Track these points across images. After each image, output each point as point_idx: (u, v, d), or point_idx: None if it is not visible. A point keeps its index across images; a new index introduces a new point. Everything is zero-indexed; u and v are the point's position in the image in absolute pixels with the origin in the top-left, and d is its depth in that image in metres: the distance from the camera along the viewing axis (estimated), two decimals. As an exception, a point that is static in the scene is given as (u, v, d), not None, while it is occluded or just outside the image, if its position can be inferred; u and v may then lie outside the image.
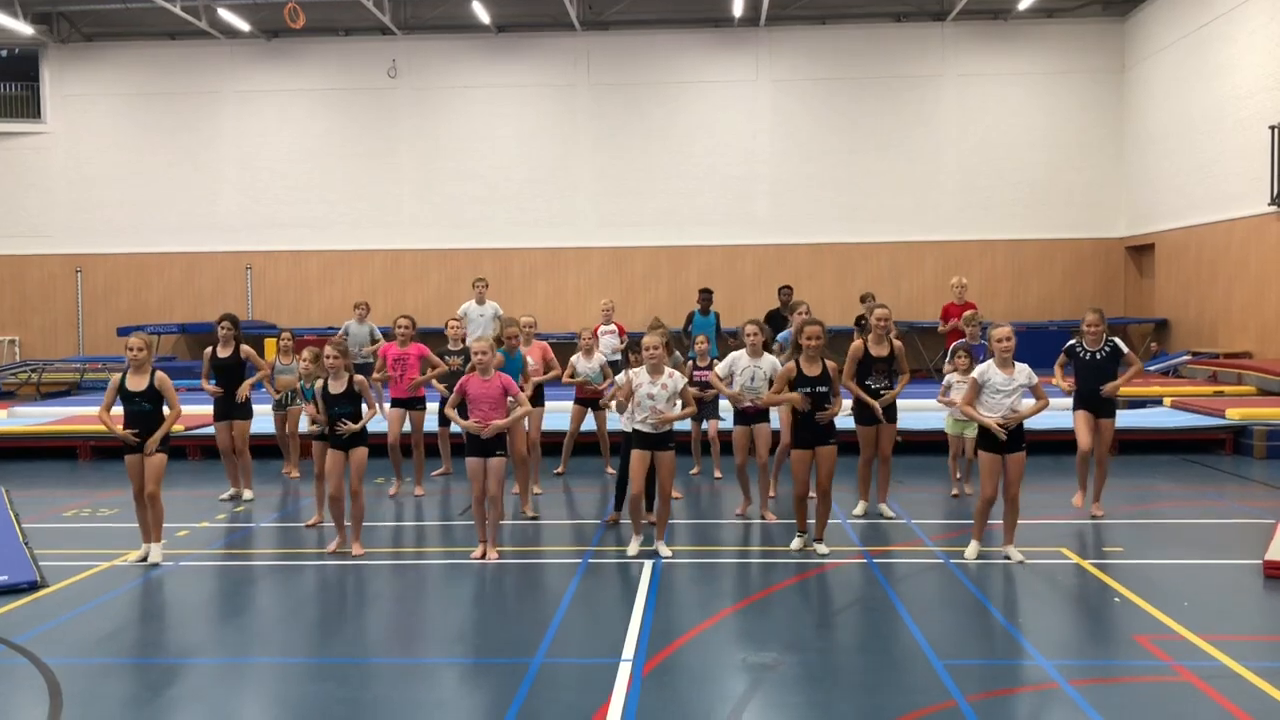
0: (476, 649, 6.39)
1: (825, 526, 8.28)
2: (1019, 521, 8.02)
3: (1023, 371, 7.80)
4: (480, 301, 13.84)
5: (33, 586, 7.46)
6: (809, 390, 7.93)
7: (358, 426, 8.29)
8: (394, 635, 6.73)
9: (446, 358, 10.84)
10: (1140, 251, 21.58)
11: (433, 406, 11.15)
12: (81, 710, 5.35)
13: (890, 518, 9.38)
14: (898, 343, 9.24)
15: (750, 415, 9.25)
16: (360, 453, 8.37)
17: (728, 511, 9.71)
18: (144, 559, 8.12)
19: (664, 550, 8.16)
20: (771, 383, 8.85)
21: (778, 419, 9.54)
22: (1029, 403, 7.89)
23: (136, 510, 8.20)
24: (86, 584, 7.65)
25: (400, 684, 5.68)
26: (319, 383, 8.46)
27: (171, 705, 5.50)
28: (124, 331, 18.61)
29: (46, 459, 13.36)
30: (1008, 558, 7.87)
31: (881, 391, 9.09)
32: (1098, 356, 9.18)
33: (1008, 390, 7.73)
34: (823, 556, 8.05)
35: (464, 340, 11.01)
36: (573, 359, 10.89)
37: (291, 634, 6.72)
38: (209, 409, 10.95)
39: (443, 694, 5.64)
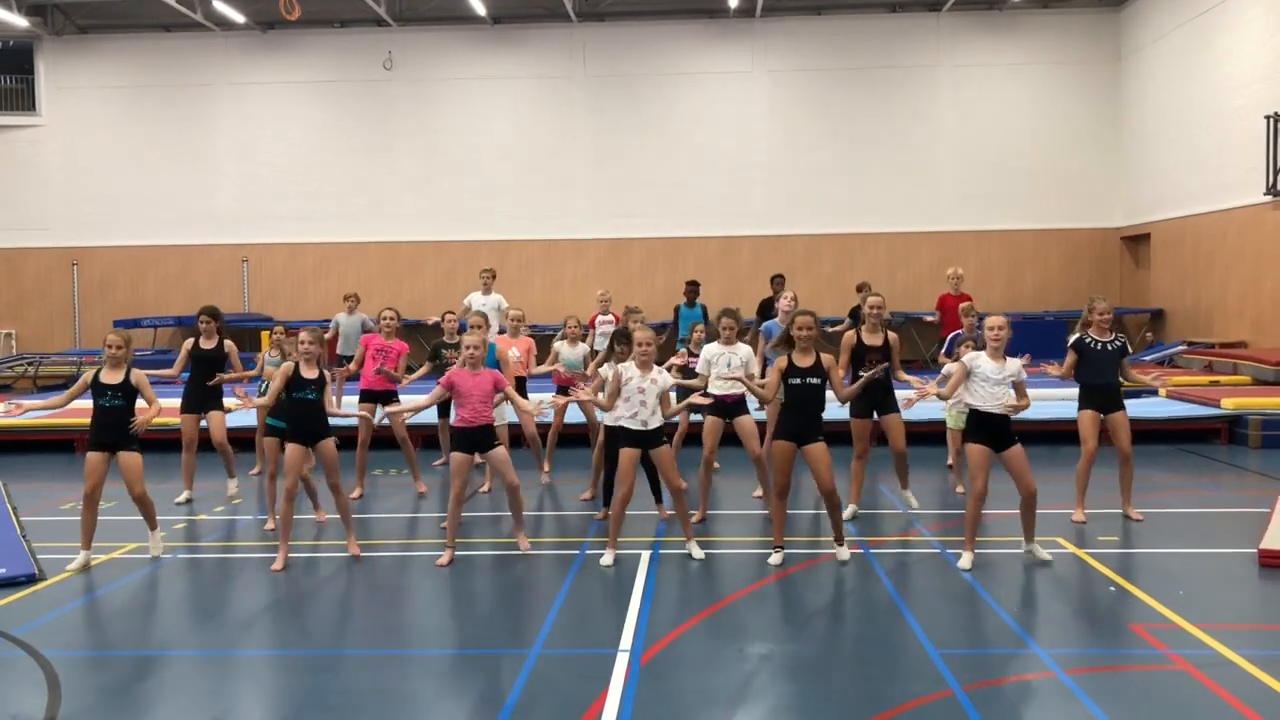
0: (474, 640, 6.41)
1: (842, 527, 7.87)
2: (1006, 511, 8.02)
3: (1013, 364, 7.58)
4: (486, 292, 13.85)
5: (31, 579, 7.47)
6: (800, 382, 7.59)
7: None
8: (391, 627, 6.73)
9: (444, 350, 10.78)
10: (1136, 241, 21.60)
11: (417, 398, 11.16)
12: (79, 702, 5.36)
13: (913, 506, 9.16)
14: (893, 334, 8.97)
15: (728, 406, 8.91)
16: (327, 446, 8.04)
17: (724, 502, 9.71)
18: (83, 567, 7.81)
19: (696, 552, 7.86)
20: (747, 369, 8.68)
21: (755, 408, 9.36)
22: (1011, 393, 7.62)
23: (84, 511, 7.84)
24: (84, 577, 7.66)
25: (398, 675, 5.70)
26: (288, 364, 8.07)
27: (169, 697, 5.51)
28: (120, 325, 18.59)
29: (43, 452, 13.37)
30: (1030, 553, 7.66)
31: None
32: (1109, 348, 8.72)
33: (997, 379, 7.51)
34: (843, 563, 7.68)
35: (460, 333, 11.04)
36: (556, 345, 10.76)
37: (289, 626, 6.73)
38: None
39: (440, 685, 5.66)
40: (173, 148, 22.84)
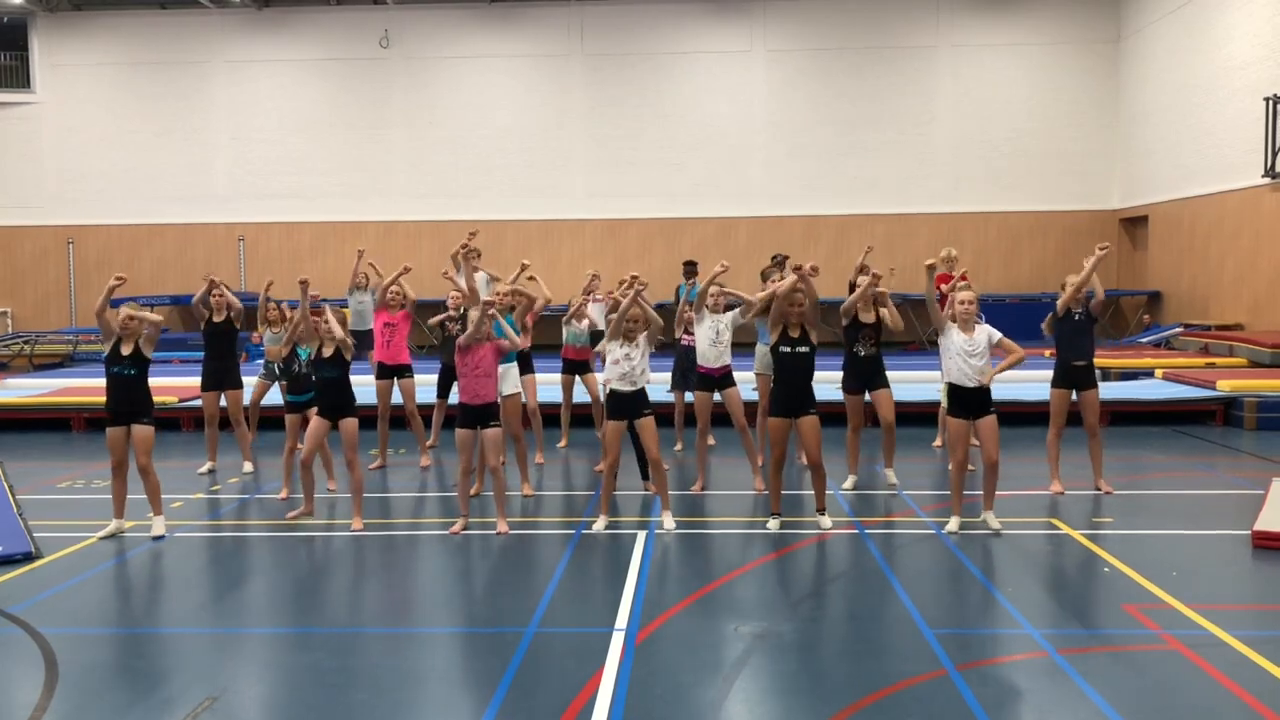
0: (471, 619, 6.42)
1: (824, 496, 8.16)
2: (1001, 492, 8.08)
3: (982, 331, 7.82)
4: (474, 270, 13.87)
5: (27, 558, 7.48)
6: (790, 351, 7.87)
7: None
8: (389, 605, 6.75)
9: (448, 323, 10.83)
10: (1134, 223, 21.59)
11: (430, 378, 11.21)
12: (76, 680, 5.38)
13: (894, 485, 9.31)
14: (884, 312, 9.25)
15: (716, 379, 9.19)
16: (350, 423, 8.31)
17: (719, 482, 9.73)
18: (113, 535, 8.08)
19: (668, 522, 8.03)
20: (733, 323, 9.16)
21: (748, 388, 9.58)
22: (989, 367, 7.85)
23: (113, 483, 8.15)
24: (81, 555, 7.67)
25: (395, 653, 5.72)
26: (313, 345, 8.47)
27: (166, 675, 5.52)
28: (117, 304, 18.54)
29: (40, 431, 13.34)
30: (985, 525, 7.88)
31: (862, 353, 9.11)
32: (1076, 317, 8.99)
33: (970, 351, 7.77)
34: (825, 529, 7.98)
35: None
36: (568, 321, 11.25)
37: (287, 604, 6.75)
38: (198, 380, 10.86)
39: (437, 663, 5.67)
40: (168, 126, 22.75)
